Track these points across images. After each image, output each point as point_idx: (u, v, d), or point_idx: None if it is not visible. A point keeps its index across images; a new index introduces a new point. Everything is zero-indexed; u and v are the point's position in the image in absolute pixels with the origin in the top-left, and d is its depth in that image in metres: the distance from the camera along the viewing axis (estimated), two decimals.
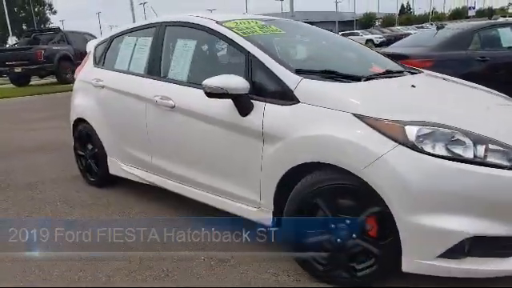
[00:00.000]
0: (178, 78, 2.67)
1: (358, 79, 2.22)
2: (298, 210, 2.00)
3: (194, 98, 2.50)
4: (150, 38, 2.96)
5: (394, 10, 79.25)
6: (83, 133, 3.62)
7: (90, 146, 3.60)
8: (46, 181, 3.91)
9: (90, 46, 3.71)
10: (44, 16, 56.33)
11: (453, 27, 6.41)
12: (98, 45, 3.58)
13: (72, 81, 15.24)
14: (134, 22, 21.73)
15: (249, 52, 2.28)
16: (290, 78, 2.10)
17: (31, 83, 15.17)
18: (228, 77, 2.17)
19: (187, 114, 2.53)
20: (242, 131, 2.22)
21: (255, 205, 2.27)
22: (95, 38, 17.53)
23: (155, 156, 2.89)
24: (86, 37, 16.33)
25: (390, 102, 2.01)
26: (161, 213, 3.02)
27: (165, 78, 2.77)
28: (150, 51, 2.94)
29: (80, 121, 3.62)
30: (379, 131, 1.80)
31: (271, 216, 2.20)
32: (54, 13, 57.79)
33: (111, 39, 3.43)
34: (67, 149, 5.24)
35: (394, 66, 2.87)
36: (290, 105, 2.05)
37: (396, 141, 1.76)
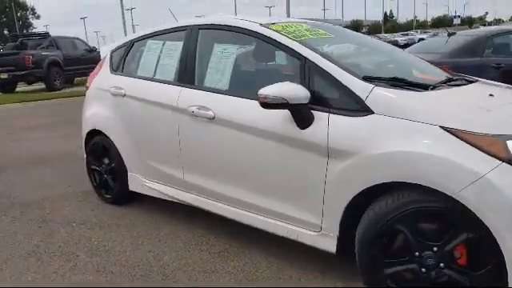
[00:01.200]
0: (217, 87, 2.41)
1: (425, 87, 2.01)
2: (376, 236, 1.76)
3: (238, 108, 2.26)
4: (180, 43, 2.70)
5: (379, 17, 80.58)
6: (98, 145, 3.31)
7: (106, 160, 3.30)
8: (54, 198, 3.59)
9: (105, 51, 3.43)
10: (27, 21, 55.11)
11: (465, 34, 6.33)
12: (115, 50, 3.29)
13: (60, 87, 14.80)
14: (124, 28, 21.42)
15: (306, 58, 2.05)
16: (359, 86, 1.87)
17: (17, 90, 14.63)
18: (287, 85, 1.94)
19: (230, 126, 2.28)
20: (301, 145, 1.98)
21: (315, 228, 2.03)
22: (85, 43, 17.18)
23: (188, 172, 2.61)
24: (75, 42, 15.95)
25: (480, 114, 1.80)
26: (194, 234, 2.74)
27: (201, 86, 2.51)
28: (180, 57, 2.67)
29: (95, 132, 3.32)
30: (477, 147, 1.58)
31: (335, 242, 1.96)
32: (38, 18, 56.65)
33: (131, 43, 3.15)
34: (68, 161, 4.94)
35: (440, 72, 2.69)
36: (362, 116, 1.82)
37: (498, 158, 1.55)
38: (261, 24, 2.34)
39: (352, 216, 1.89)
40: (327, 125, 1.89)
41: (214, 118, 2.34)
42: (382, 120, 1.78)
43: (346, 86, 1.90)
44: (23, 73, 13.02)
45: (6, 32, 52.79)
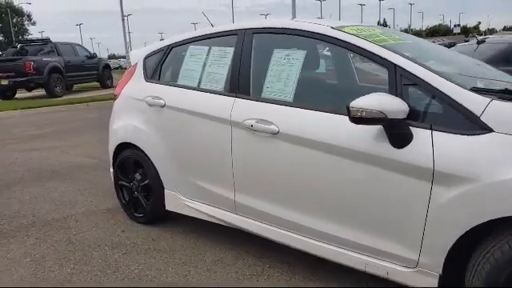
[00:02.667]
0: (279, 98, 2.14)
1: None
2: (505, 281, 1.49)
3: (308, 122, 1.98)
4: (231, 49, 2.43)
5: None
6: (130, 160, 3.02)
7: (138, 176, 3.00)
8: (78, 216, 3.27)
9: (136, 57, 3.13)
10: (22, 27, 54.59)
11: (496, 41, 6.12)
12: (149, 55, 3.01)
13: (61, 94, 14.52)
14: (124, 33, 21.09)
15: (396, 65, 1.79)
16: (470, 99, 1.61)
17: (17, 96, 14.23)
18: (384, 97, 1.68)
19: (299, 143, 2.00)
20: (396, 168, 1.71)
21: (409, 264, 1.75)
22: (86, 49, 16.85)
23: (241, 192, 2.33)
24: (76, 48, 15.64)
25: None
26: (244, 262, 2.43)
27: (258, 97, 2.24)
28: (231, 64, 2.40)
29: (125, 146, 3.03)
30: None
31: (436, 280, 1.68)
32: (33, 24, 56.14)
33: (169, 49, 2.87)
34: (82, 173, 4.62)
35: None
36: (477, 134, 1.56)
37: None
38: (332, 27, 2.08)
39: (459, 251, 1.62)
40: (431, 144, 1.62)
41: (277, 132, 2.06)
42: (503, 140, 1.51)
43: (452, 99, 1.63)
44: (24, 79, 12.68)
45: (0, 38, 52.35)
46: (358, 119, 1.66)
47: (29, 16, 54.90)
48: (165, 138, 2.72)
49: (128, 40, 20.67)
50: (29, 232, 2.99)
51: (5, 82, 12.73)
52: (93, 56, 16.06)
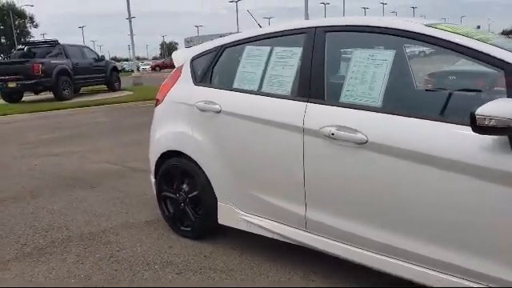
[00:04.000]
0: (364, 102, 1.92)
1: None
2: None
3: (407, 130, 1.76)
4: (298, 49, 2.21)
5: None
6: (177, 169, 2.79)
7: (185, 187, 2.78)
8: (116, 229, 3.05)
9: (180, 59, 2.91)
10: (25, 29, 54.40)
11: None
12: (197, 57, 2.79)
13: (69, 97, 14.40)
14: (132, 37, 20.74)
15: None
16: None
17: (23, 99, 14.02)
18: (511, 103, 1.46)
19: (393, 154, 1.78)
20: None
21: None
22: (93, 51, 16.63)
23: (315, 208, 2.11)
24: (84, 50, 15.44)
25: None
26: (316, 284, 2.21)
27: (336, 102, 2.01)
28: (300, 65, 2.18)
29: (170, 154, 2.81)
30: None
31: None
32: (36, 26, 55.96)
33: (221, 49, 2.65)
34: (109, 180, 4.40)
35: None
36: None
37: None
38: (426, 24, 1.87)
39: None
40: None
41: (366, 142, 1.84)
42: None
43: None
44: (32, 82, 12.50)
45: (3, 40, 52.14)
46: (483, 128, 1.45)
47: (31, 18, 54.78)
48: (220, 146, 2.50)
49: (132, 43, 20.43)
50: (67, 248, 2.76)
51: (12, 85, 12.54)
52: (101, 58, 15.88)
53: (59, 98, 13.15)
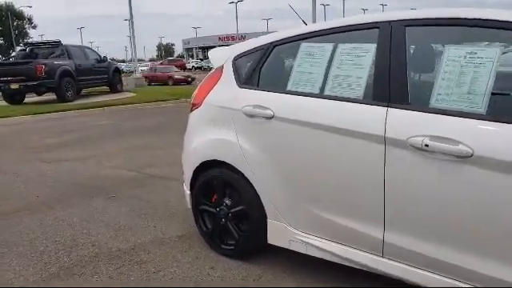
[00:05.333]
0: (464, 109, 1.64)
1: None
2: None
3: None
4: (371, 45, 1.94)
5: None
6: (217, 181, 2.51)
7: (228, 201, 2.51)
8: (146, 246, 2.76)
9: (220, 58, 2.64)
10: (23, 30, 53.87)
11: None
12: (241, 56, 2.52)
13: (72, 99, 14.17)
14: (133, 37, 20.40)
15: None
16: None
17: (25, 101, 13.66)
18: None
19: (507, 171, 1.51)
20: None
21: None
22: (96, 52, 16.32)
23: (397, 230, 1.82)
24: (86, 51, 15.14)
25: None
26: None
27: (425, 107, 1.74)
28: (374, 65, 1.91)
29: (211, 164, 2.53)
30: None
31: None
32: (34, 27, 55.40)
33: (271, 47, 2.38)
34: (128, 189, 4.10)
35: None
36: None
37: None
38: None
39: None
40: None
41: (471, 155, 1.57)
42: None
43: None
44: (35, 83, 12.17)
45: (1, 41, 51.56)
46: None
47: (29, 19, 54.23)
48: (273, 156, 2.22)
49: (133, 44, 20.11)
50: (96, 268, 2.48)
51: (15, 87, 12.21)
52: (103, 59, 15.56)
53: (62, 99, 12.83)
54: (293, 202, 2.19)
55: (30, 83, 12.11)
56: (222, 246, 2.57)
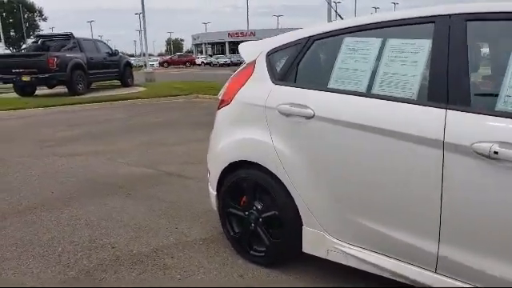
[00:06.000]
0: None
1: None
2: None
3: None
4: (426, 41, 1.76)
5: None
6: (248, 183, 2.36)
7: (258, 205, 2.35)
8: (170, 249, 2.61)
9: (253, 52, 2.47)
10: (34, 23, 54.10)
11: None
12: (275, 51, 2.35)
13: (83, 92, 14.13)
14: (145, 31, 20.25)
15: None
16: None
17: (36, 93, 13.61)
18: None
19: None
20: None
21: None
22: (107, 46, 16.22)
23: (452, 244, 1.65)
24: (98, 44, 15.04)
25: None
26: None
27: (491, 110, 1.56)
28: (429, 62, 1.74)
29: (241, 165, 2.38)
30: None
31: None
32: (45, 20, 55.62)
33: (309, 42, 2.21)
34: (145, 186, 3.96)
35: None
36: None
37: None
38: None
39: None
40: None
41: None
42: None
43: None
44: (46, 76, 12.06)
45: (12, 33, 51.83)
46: None
47: (40, 12, 54.47)
48: (311, 159, 2.06)
49: (145, 39, 20.01)
50: (118, 272, 2.34)
51: (26, 79, 12.12)
52: (114, 53, 15.45)
53: (73, 92, 12.74)
54: (333, 209, 2.02)
55: (41, 76, 12.01)
56: (251, 253, 2.42)
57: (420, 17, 1.84)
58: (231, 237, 2.53)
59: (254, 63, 2.44)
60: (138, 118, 8.94)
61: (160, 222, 3.06)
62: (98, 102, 11.74)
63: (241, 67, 2.57)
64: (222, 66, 46.66)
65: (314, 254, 2.15)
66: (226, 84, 2.62)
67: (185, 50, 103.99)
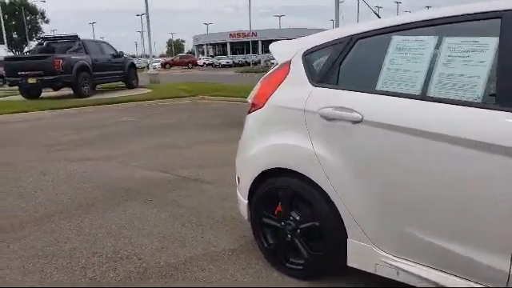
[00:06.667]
0: None
1: None
2: None
3: None
4: (491, 39, 1.62)
5: None
6: (285, 192, 2.22)
7: (296, 215, 2.22)
8: (200, 261, 2.47)
9: (288, 52, 2.34)
10: (36, 25, 54.07)
11: None
12: (313, 50, 2.22)
13: (88, 94, 14.05)
14: (149, 31, 20.11)
15: None
16: None
17: (42, 95, 13.49)
18: None
19: None
20: None
21: None
22: (112, 47, 16.09)
23: None
24: (103, 46, 14.93)
25: None
26: None
27: None
28: (498, 62, 1.60)
29: (276, 173, 2.24)
30: None
31: None
32: (47, 22, 55.62)
33: (351, 41, 2.07)
34: (164, 193, 3.81)
35: None
36: None
37: None
38: None
39: None
40: None
41: None
42: None
43: None
44: (52, 78, 11.96)
45: (15, 35, 51.80)
46: None
47: (42, 14, 54.45)
48: (359, 167, 1.92)
49: (149, 40, 19.91)
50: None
51: (32, 81, 12.02)
52: (119, 54, 15.33)
53: (78, 94, 12.63)
54: (384, 222, 1.88)
55: (47, 78, 11.91)
56: (288, 265, 2.28)
57: (483, 12, 1.71)
58: (264, 248, 2.39)
59: (288, 64, 2.30)
60: (146, 120, 8.82)
61: (184, 231, 2.93)
62: (104, 104, 11.63)
63: (273, 68, 2.44)
64: (223, 66, 46.63)
65: (361, 268, 2.00)
66: (257, 87, 2.48)
67: (186, 51, 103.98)
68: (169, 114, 9.71)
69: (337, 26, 12.67)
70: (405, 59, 1.86)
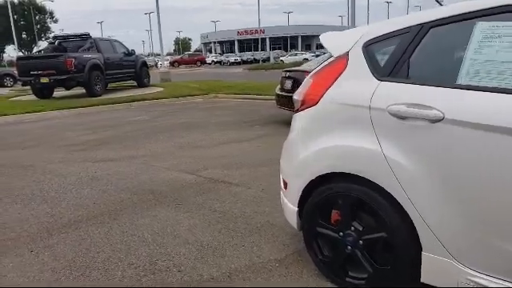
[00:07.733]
0: None
1: None
2: None
3: None
4: None
5: None
6: (345, 199, 2.00)
7: (358, 226, 2.00)
8: (245, 273, 2.25)
9: (344, 44, 2.11)
10: (45, 25, 54.30)
11: None
12: (376, 41, 1.99)
13: (101, 93, 13.93)
14: (160, 31, 19.95)
15: None
16: None
17: (54, 95, 13.39)
18: None
19: None
20: None
21: None
22: (123, 46, 15.95)
23: None
24: (115, 44, 14.78)
25: None
26: None
27: None
28: None
29: (333, 178, 2.02)
30: None
31: None
32: (56, 21, 55.77)
33: (422, 29, 1.83)
34: (193, 197, 3.59)
35: None
36: None
37: None
38: None
39: None
40: None
41: None
42: None
43: None
44: (65, 77, 11.84)
45: (24, 35, 52.08)
46: None
47: (51, 14, 54.63)
48: (438, 171, 1.69)
49: (160, 38, 19.71)
50: None
51: (45, 80, 11.91)
52: (131, 53, 15.18)
53: (91, 93, 12.51)
54: (468, 234, 1.65)
55: (59, 77, 11.79)
56: (348, 280, 2.06)
57: None
58: (319, 260, 2.17)
59: (345, 57, 2.07)
60: (162, 118, 8.64)
61: (222, 238, 2.72)
62: (118, 103, 11.47)
63: (326, 62, 2.21)
64: (232, 64, 46.42)
65: (439, 285, 1.77)
66: (306, 82, 2.26)
67: (193, 49, 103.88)
68: (184, 112, 9.53)
69: (352, 20, 12.39)
70: (494, 48, 1.62)
